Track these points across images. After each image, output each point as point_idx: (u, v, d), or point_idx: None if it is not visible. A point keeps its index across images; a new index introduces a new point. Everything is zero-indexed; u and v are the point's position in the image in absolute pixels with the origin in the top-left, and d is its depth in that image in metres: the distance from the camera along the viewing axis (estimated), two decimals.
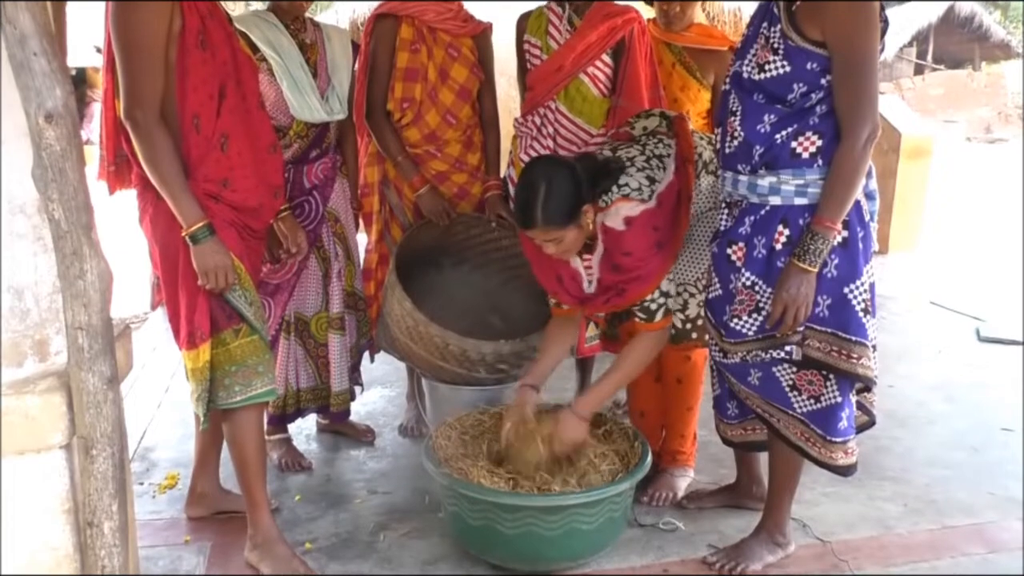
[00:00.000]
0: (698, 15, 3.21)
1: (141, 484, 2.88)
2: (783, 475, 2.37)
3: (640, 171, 2.34)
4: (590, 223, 2.29)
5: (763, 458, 2.54)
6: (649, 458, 2.43)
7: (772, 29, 2.11)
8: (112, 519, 1.48)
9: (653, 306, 2.38)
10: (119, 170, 2.35)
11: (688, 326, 2.57)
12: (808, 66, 2.06)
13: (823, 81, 2.06)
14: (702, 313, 2.49)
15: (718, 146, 2.30)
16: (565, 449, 2.41)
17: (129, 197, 2.36)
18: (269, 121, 2.44)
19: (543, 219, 2.22)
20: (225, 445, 2.45)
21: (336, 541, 2.56)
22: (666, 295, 2.39)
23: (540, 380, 2.57)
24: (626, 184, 2.31)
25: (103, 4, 2.11)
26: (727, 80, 2.26)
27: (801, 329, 2.14)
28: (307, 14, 2.91)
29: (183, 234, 2.12)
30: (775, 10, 2.13)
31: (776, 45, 2.09)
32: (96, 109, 12.03)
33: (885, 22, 2.08)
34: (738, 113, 2.17)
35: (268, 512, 2.40)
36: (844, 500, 2.76)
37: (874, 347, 2.17)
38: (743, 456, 2.66)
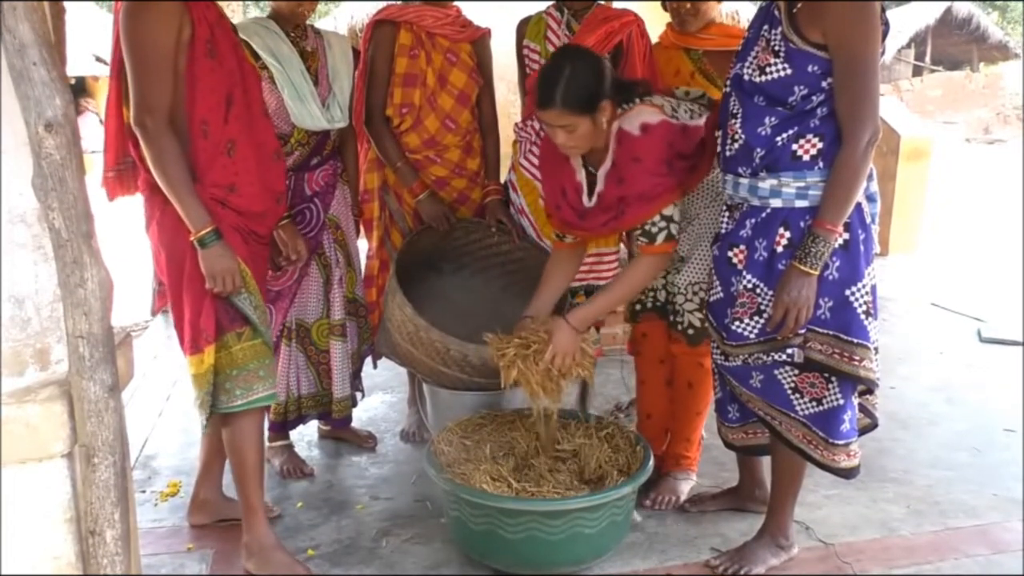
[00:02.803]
0: (716, 12, 2.91)
1: (143, 492, 2.88)
2: (786, 478, 2.37)
3: (667, 101, 2.41)
4: (605, 122, 2.29)
5: (765, 461, 2.54)
6: (651, 462, 2.43)
7: (773, 31, 2.11)
8: (114, 527, 1.48)
9: (654, 229, 2.38)
10: (120, 176, 2.37)
11: (706, 325, 2.56)
12: (809, 68, 2.06)
13: (824, 83, 2.06)
14: None
15: (719, 149, 2.30)
16: (562, 361, 2.39)
17: (130, 205, 2.37)
18: (273, 128, 2.46)
19: (562, 100, 2.22)
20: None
21: (338, 547, 2.56)
22: (669, 219, 2.38)
23: (540, 312, 2.56)
24: (650, 98, 2.37)
25: (103, 14, 2.12)
26: (727, 82, 2.26)
27: (802, 332, 2.14)
28: (307, 21, 2.92)
29: (191, 238, 2.15)
30: (776, 12, 2.13)
31: (777, 47, 2.09)
32: (89, 118, 12.05)
33: (886, 24, 2.08)
34: (739, 116, 2.17)
35: (264, 518, 2.40)
36: (847, 502, 2.76)
37: (876, 349, 2.17)
38: (745, 459, 2.65)
